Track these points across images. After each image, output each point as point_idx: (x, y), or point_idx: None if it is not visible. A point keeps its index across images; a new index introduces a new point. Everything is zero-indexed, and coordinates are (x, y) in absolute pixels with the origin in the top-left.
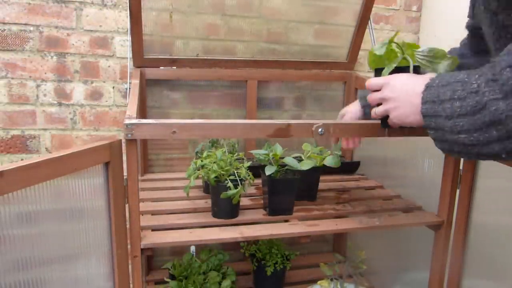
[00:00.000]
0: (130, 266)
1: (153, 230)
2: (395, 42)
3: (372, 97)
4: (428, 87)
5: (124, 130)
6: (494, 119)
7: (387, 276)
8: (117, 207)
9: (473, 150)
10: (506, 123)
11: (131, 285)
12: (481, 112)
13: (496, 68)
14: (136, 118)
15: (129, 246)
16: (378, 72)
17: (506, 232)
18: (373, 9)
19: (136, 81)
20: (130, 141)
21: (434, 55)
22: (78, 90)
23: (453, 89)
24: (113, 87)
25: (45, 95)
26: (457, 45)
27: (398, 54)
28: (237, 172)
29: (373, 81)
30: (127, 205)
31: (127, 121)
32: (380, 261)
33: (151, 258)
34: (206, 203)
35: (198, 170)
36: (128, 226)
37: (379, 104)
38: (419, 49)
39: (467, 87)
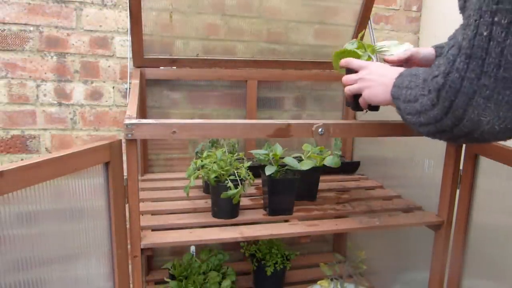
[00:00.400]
0: (130, 266)
1: (153, 230)
2: (360, 41)
3: (350, 77)
4: (400, 75)
5: (124, 130)
6: (420, 109)
7: (387, 276)
8: (117, 207)
9: (418, 128)
10: (427, 113)
11: (131, 285)
12: (415, 102)
13: (432, 71)
14: (136, 118)
15: (129, 246)
16: (349, 71)
17: (506, 232)
18: (373, 9)
19: (136, 81)
20: (130, 141)
21: (390, 46)
22: (78, 90)
23: (410, 80)
24: (113, 87)
25: (45, 95)
26: None
27: (361, 52)
28: (237, 172)
29: (355, 61)
30: (127, 205)
31: (127, 121)
32: (380, 261)
33: (151, 258)
34: (206, 203)
35: (198, 170)
36: (128, 226)
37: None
38: (378, 43)
39: (416, 81)
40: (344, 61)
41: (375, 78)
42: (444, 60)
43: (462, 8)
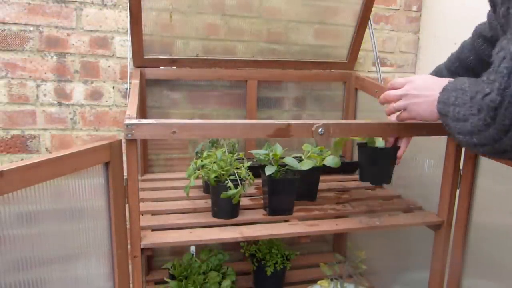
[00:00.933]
0: (130, 266)
1: (153, 230)
2: None
3: (393, 93)
4: (444, 89)
5: (124, 130)
6: (472, 130)
7: (387, 276)
8: (117, 207)
9: (473, 149)
10: (481, 134)
11: (131, 285)
12: (466, 121)
13: (481, 87)
14: (136, 118)
15: (129, 246)
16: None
17: (506, 232)
18: (373, 9)
19: (136, 81)
20: (130, 141)
21: None
22: (78, 90)
23: (456, 96)
24: (113, 87)
25: (45, 95)
26: (457, 47)
27: None
28: (237, 172)
29: (398, 80)
30: (127, 205)
31: (127, 121)
32: (380, 261)
33: (151, 258)
34: (206, 203)
35: (198, 170)
36: (128, 226)
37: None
38: None
39: (463, 97)
40: (385, 94)
41: (420, 94)
42: (496, 75)
43: (506, 16)
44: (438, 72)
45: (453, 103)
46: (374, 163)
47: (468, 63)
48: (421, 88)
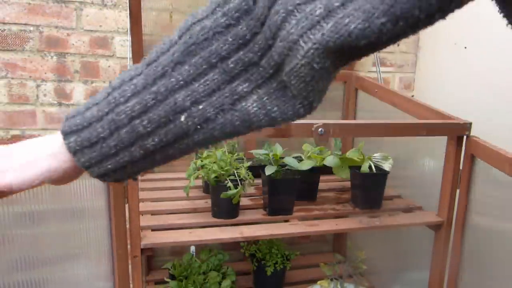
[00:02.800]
0: (130, 266)
1: (153, 230)
2: None
3: None
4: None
5: None
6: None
7: (387, 276)
8: (117, 207)
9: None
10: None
11: (131, 285)
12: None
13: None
14: None
15: (128, 246)
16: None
17: (505, 231)
18: None
19: None
20: None
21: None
22: (78, 90)
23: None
24: None
25: (45, 95)
26: (457, 47)
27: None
28: (237, 172)
29: None
30: (127, 205)
31: None
32: (380, 261)
33: (151, 258)
34: (206, 203)
35: (198, 170)
36: (128, 226)
37: None
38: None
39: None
40: None
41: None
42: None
43: None
44: None
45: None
46: (365, 188)
47: None
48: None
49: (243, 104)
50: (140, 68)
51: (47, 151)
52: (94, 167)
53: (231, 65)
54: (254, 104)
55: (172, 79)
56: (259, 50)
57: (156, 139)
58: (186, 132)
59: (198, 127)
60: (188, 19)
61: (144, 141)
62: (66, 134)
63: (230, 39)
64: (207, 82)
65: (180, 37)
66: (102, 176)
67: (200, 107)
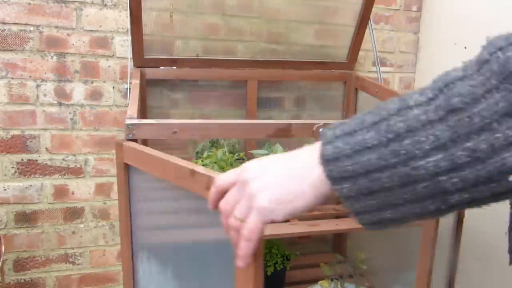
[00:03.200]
0: None
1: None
2: None
3: (227, 198)
4: (335, 125)
5: (125, 130)
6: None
7: (387, 276)
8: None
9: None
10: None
11: None
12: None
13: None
14: (137, 118)
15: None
16: None
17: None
18: (373, 9)
19: (136, 81)
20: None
21: None
22: (78, 90)
23: (402, 99)
24: (113, 87)
25: (45, 95)
26: (457, 47)
27: None
28: None
29: (225, 175)
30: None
31: (128, 121)
32: (380, 261)
33: None
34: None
35: None
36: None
37: None
38: None
39: (431, 87)
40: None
41: (271, 167)
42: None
43: None
44: None
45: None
46: None
47: None
48: (267, 162)
49: None
50: (433, 110)
51: (307, 181)
52: (367, 215)
53: None
54: None
55: (498, 135)
56: None
57: (465, 195)
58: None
59: None
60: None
61: (447, 196)
62: (334, 179)
63: None
64: None
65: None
66: (374, 224)
67: None
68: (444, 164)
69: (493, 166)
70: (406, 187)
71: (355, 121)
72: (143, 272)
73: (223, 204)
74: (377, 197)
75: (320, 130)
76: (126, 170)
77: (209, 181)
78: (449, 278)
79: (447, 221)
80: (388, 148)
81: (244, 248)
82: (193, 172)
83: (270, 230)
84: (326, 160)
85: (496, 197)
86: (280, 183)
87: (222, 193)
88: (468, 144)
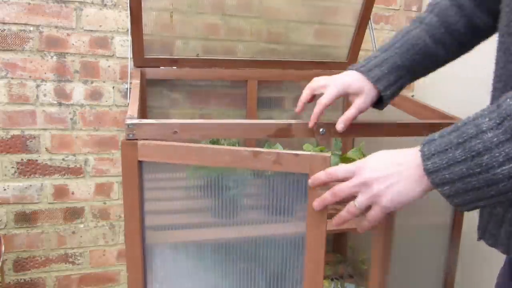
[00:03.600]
0: None
1: (152, 230)
2: None
3: (343, 187)
4: (426, 143)
5: (125, 130)
6: None
7: (387, 276)
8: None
9: None
10: None
11: None
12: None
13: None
14: (137, 118)
15: None
16: None
17: None
18: (372, 9)
19: (136, 81)
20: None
21: None
22: (78, 90)
23: (475, 124)
24: (113, 87)
25: (45, 95)
26: None
27: None
28: (237, 171)
29: (339, 168)
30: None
31: (128, 121)
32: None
33: None
34: (206, 203)
35: (197, 169)
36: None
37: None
38: None
39: (498, 114)
40: (316, 178)
41: (389, 173)
42: None
43: None
44: (405, 43)
45: (476, 132)
46: None
47: (458, 28)
48: (383, 166)
49: None
50: (502, 133)
51: (420, 188)
52: (464, 207)
53: None
54: None
55: None
56: None
57: None
58: None
59: None
60: None
61: None
62: (437, 185)
63: None
64: None
65: None
66: (470, 210)
67: None
68: None
69: None
70: (491, 186)
71: (443, 139)
72: (158, 273)
73: (337, 190)
74: (470, 194)
75: (422, 145)
76: (139, 167)
77: (278, 157)
78: (448, 278)
79: (444, 221)
80: (473, 162)
81: (365, 227)
82: (256, 153)
83: (271, 231)
84: (429, 172)
85: None
86: (402, 190)
87: (332, 180)
88: None
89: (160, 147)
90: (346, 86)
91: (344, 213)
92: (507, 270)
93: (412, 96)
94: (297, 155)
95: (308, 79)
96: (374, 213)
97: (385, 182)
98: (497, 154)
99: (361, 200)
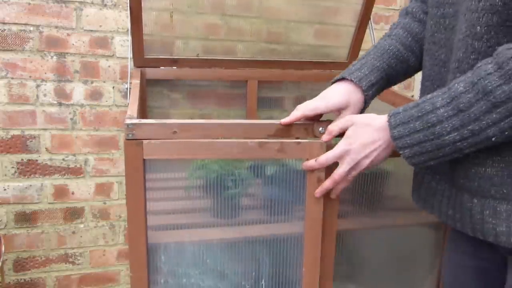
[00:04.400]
0: None
1: (153, 230)
2: None
3: (340, 173)
4: (392, 115)
5: (125, 130)
6: (496, 102)
7: (387, 276)
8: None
9: (462, 144)
10: (510, 103)
11: None
12: (477, 103)
13: (491, 64)
14: (137, 118)
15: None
16: None
17: None
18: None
19: (136, 81)
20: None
21: None
22: (78, 90)
23: (431, 102)
24: (113, 87)
25: (45, 95)
26: None
27: None
28: (237, 171)
29: (329, 156)
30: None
31: (128, 121)
32: (380, 261)
33: None
34: (206, 203)
35: (199, 170)
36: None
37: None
38: None
39: (449, 94)
40: (309, 166)
41: (371, 150)
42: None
43: None
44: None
45: (432, 108)
46: (366, 188)
47: (423, 37)
48: (365, 146)
49: None
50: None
51: (388, 151)
52: (420, 164)
53: None
54: None
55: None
56: None
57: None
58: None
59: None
60: None
61: (461, 150)
62: (400, 148)
63: None
64: None
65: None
66: (422, 167)
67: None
68: (458, 138)
69: (479, 138)
70: (440, 149)
71: (406, 113)
72: (165, 274)
73: (337, 175)
74: (424, 156)
75: (389, 116)
76: (144, 166)
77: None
78: (442, 278)
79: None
80: (428, 131)
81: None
82: (261, 144)
83: (271, 230)
84: (395, 139)
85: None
86: (380, 158)
87: (322, 167)
88: (470, 127)
89: (168, 144)
90: (332, 103)
91: (328, 182)
92: (450, 243)
93: (412, 96)
94: (298, 143)
95: (308, 79)
96: (355, 172)
97: (371, 157)
98: (446, 125)
99: (353, 173)
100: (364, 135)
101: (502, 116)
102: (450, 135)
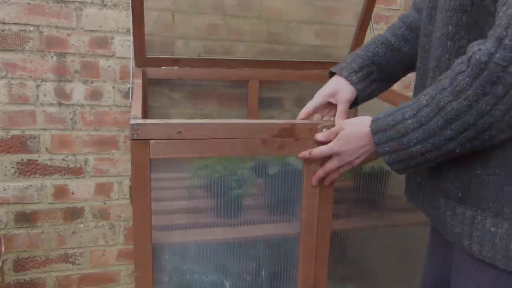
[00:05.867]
0: None
1: (154, 230)
2: None
3: (332, 167)
4: (374, 120)
5: (130, 130)
6: (448, 118)
7: (387, 276)
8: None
9: (430, 155)
10: (460, 120)
11: None
12: (434, 118)
13: (447, 79)
14: (141, 118)
15: None
16: None
17: None
18: None
19: (138, 81)
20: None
21: None
22: (78, 90)
23: (403, 112)
24: (113, 87)
25: (45, 95)
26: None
27: None
28: (240, 171)
29: (323, 151)
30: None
31: (132, 121)
32: (380, 261)
33: None
34: (208, 203)
35: (201, 169)
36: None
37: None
38: None
39: (416, 105)
40: (302, 156)
41: (361, 152)
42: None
43: None
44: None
45: (401, 119)
46: (366, 188)
47: (418, 26)
48: (356, 149)
49: None
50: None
51: (373, 150)
52: (401, 170)
53: None
54: None
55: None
56: None
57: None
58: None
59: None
60: None
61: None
62: (381, 154)
63: None
64: None
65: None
66: (403, 173)
67: None
68: (423, 150)
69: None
70: (411, 159)
71: (384, 120)
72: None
73: (328, 168)
74: (401, 163)
75: (371, 121)
76: (150, 165)
77: (281, 142)
78: None
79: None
80: (400, 140)
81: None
82: (264, 141)
83: (272, 231)
84: (376, 145)
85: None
86: (369, 159)
87: (314, 159)
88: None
89: (174, 143)
90: (321, 93)
91: (320, 171)
92: (430, 234)
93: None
94: (297, 139)
95: (309, 79)
96: (346, 168)
97: (362, 157)
98: (412, 137)
99: (344, 168)
100: (356, 140)
101: (456, 132)
102: (416, 147)
